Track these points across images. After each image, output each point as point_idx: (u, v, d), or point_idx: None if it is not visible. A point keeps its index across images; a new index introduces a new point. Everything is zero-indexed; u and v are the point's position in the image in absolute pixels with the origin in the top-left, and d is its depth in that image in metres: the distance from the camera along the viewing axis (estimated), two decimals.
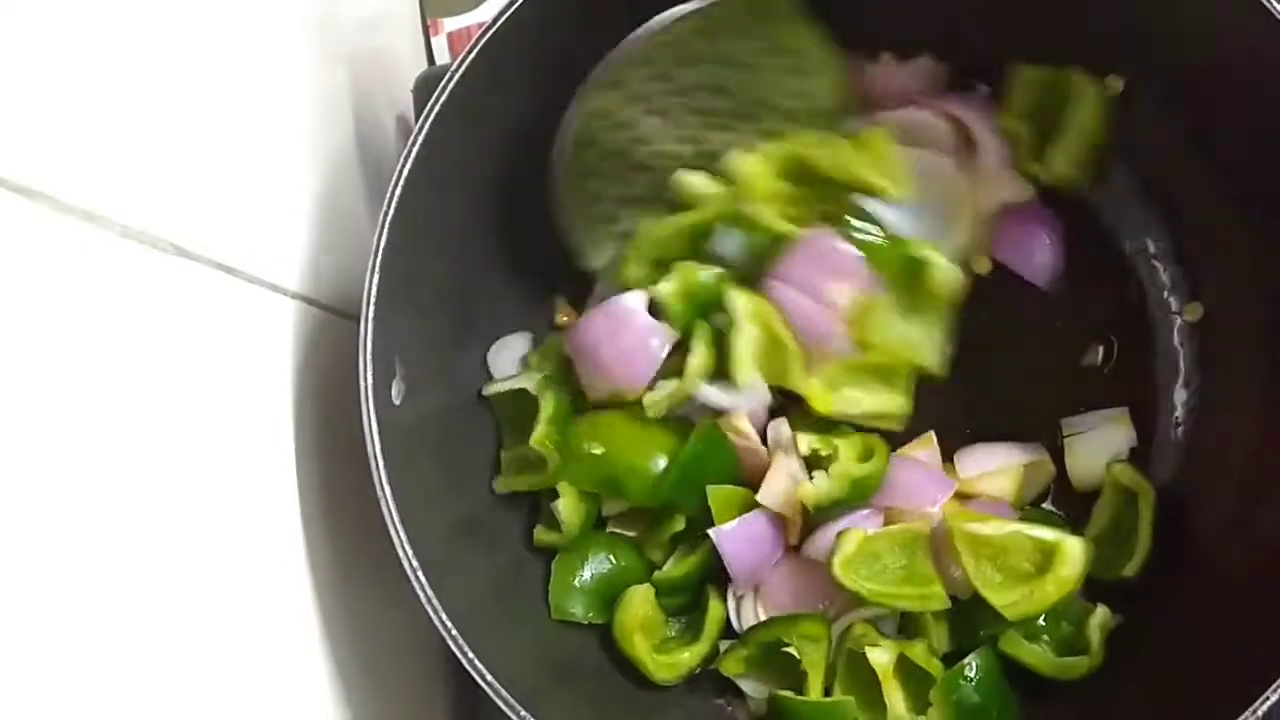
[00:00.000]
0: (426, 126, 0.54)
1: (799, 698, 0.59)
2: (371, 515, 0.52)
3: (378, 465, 0.52)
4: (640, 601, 0.61)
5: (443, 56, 0.90)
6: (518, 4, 0.55)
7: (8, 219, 0.34)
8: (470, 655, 0.51)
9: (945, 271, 0.60)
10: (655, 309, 0.61)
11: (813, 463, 0.61)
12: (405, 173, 0.54)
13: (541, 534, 0.64)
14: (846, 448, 0.61)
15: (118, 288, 0.41)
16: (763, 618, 0.62)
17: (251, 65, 0.55)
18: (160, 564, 0.41)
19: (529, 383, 0.63)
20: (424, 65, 0.89)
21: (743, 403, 0.61)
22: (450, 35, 0.90)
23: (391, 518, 0.52)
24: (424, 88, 0.76)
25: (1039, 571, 0.57)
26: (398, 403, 0.55)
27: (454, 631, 0.51)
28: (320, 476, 0.57)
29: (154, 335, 0.43)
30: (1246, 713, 0.47)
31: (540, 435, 0.61)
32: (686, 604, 0.64)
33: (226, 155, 0.51)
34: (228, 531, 0.47)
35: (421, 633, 0.63)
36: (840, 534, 0.59)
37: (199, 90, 0.49)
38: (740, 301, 0.59)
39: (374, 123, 0.74)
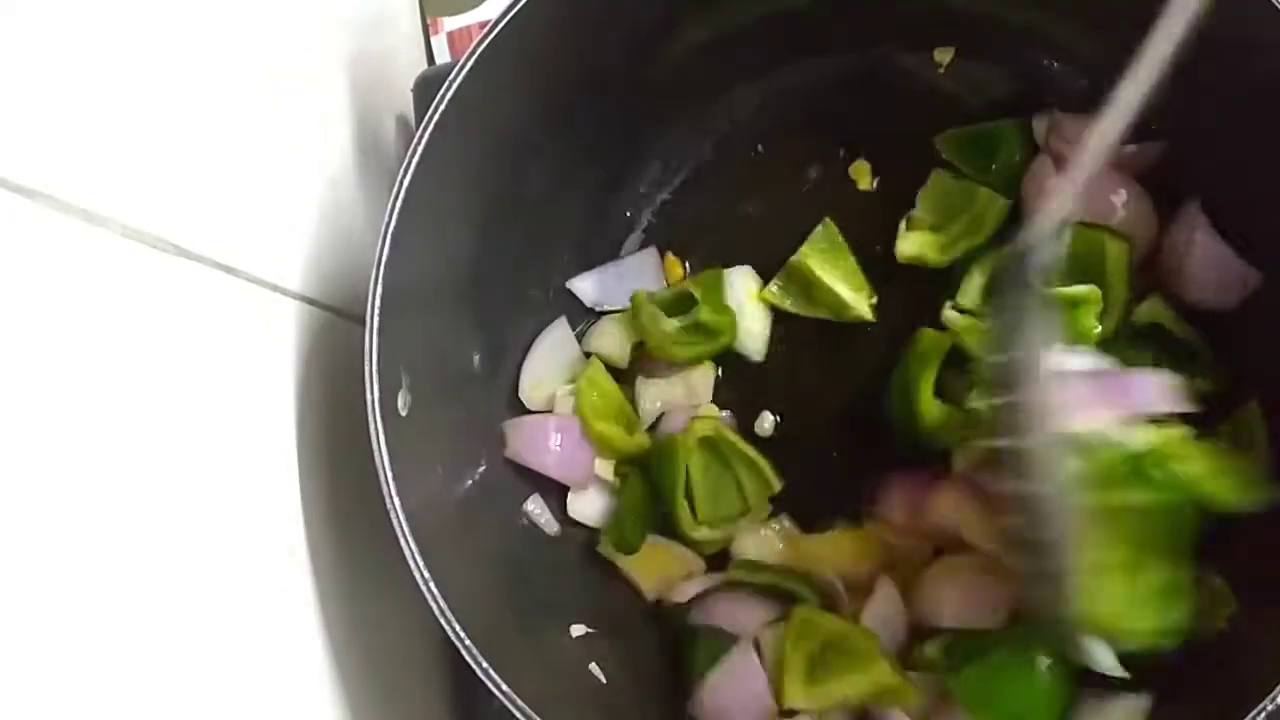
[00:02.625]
0: (429, 128, 0.53)
1: None
2: (374, 516, 0.51)
3: (386, 479, 0.51)
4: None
5: (443, 56, 0.90)
6: (519, 3, 0.54)
7: (8, 219, 0.34)
8: (484, 665, 0.50)
9: None
10: None
11: None
12: (408, 177, 0.53)
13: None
14: None
15: (118, 288, 0.40)
16: None
17: (250, 64, 0.54)
18: (161, 567, 0.41)
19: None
20: (424, 65, 0.89)
21: None
22: (450, 35, 0.90)
23: (401, 528, 0.51)
24: (424, 88, 0.75)
25: None
26: (404, 414, 0.54)
27: (467, 642, 0.50)
28: (324, 478, 0.56)
29: (155, 336, 0.42)
30: (1265, 701, 0.46)
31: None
32: None
33: (227, 155, 0.50)
34: (229, 534, 0.46)
35: (422, 636, 0.64)
36: None
37: (199, 90, 0.48)
38: None
39: (373, 122, 0.73)
